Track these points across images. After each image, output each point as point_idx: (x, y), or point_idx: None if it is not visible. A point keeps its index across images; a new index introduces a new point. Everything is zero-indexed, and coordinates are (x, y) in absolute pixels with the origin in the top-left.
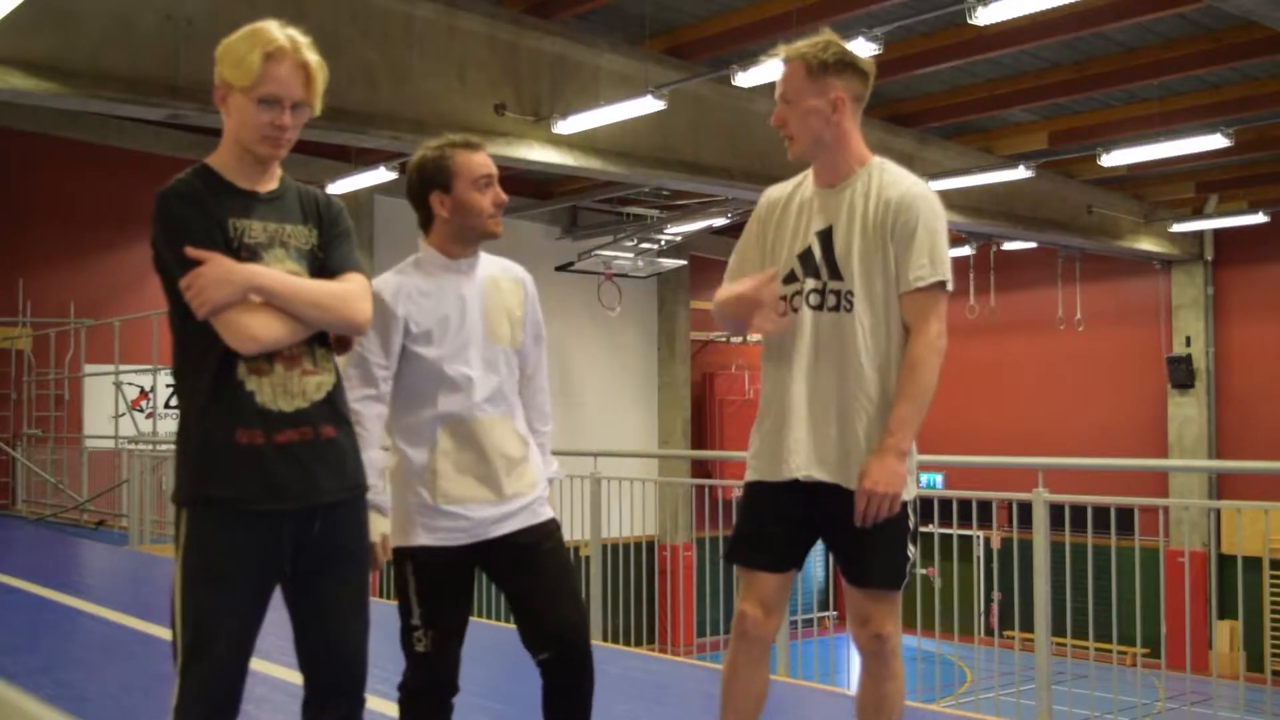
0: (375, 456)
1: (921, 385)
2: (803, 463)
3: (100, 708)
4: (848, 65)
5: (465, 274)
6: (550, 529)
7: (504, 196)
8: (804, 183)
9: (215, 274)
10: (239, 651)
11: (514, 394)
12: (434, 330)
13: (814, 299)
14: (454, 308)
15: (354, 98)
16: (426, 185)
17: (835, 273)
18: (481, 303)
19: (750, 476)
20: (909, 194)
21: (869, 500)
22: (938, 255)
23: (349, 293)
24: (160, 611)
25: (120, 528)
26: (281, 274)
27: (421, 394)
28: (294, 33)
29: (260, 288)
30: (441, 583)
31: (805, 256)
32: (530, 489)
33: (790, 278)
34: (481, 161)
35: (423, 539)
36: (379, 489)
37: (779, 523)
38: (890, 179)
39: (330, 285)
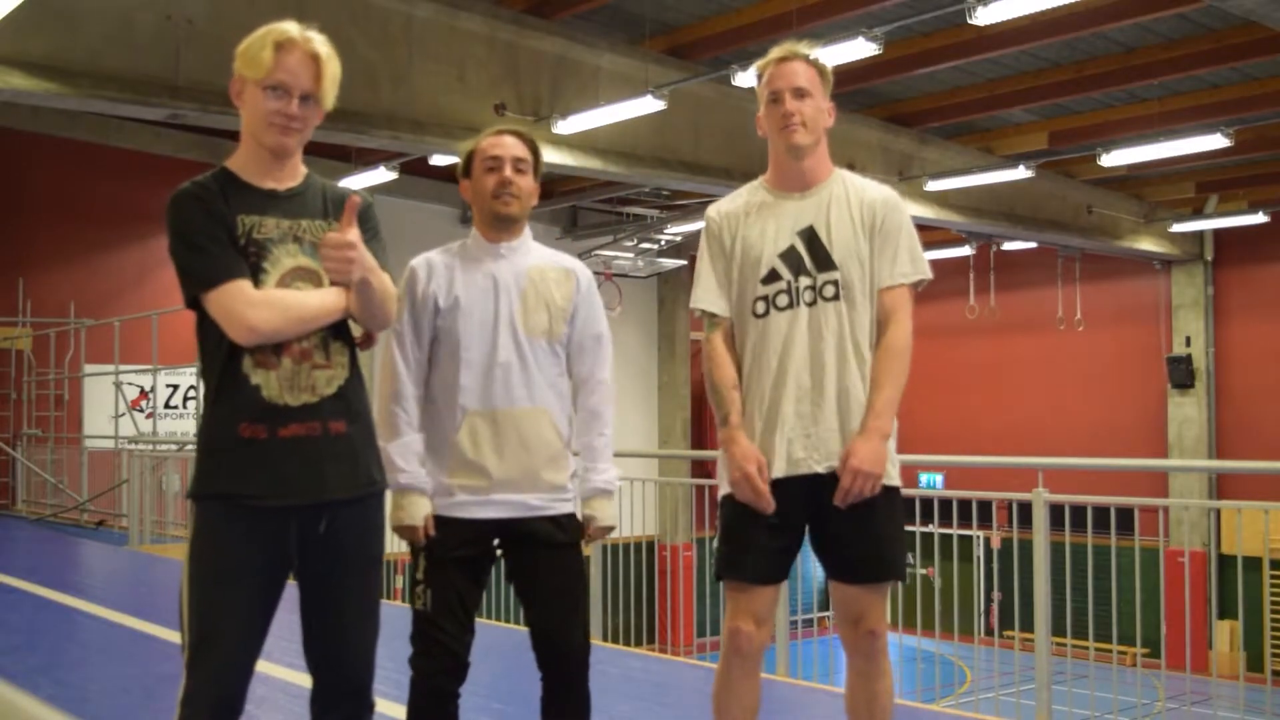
0: (413, 440)
1: (904, 372)
2: (805, 457)
3: (100, 708)
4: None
5: (505, 258)
6: (566, 524)
7: (510, 178)
8: (755, 193)
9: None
10: (245, 646)
11: (553, 389)
12: (459, 307)
13: (808, 295)
14: (484, 288)
15: (354, 98)
16: (460, 173)
17: (826, 265)
18: (519, 288)
19: (730, 490)
20: (891, 197)
21: (855, 478)
22: (917, 254)
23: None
24: (160, 611)
25: (120, 528)
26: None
27: (449, 370)
28: (310, 32)
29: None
30: (449, 549)
31: (789, 255)
32: (555, 487)
33: (771, 277)
34: (491, 143)
35: (438, 509)
36: (419, 474)
37: (772, 533)
38: (864, 184)
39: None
